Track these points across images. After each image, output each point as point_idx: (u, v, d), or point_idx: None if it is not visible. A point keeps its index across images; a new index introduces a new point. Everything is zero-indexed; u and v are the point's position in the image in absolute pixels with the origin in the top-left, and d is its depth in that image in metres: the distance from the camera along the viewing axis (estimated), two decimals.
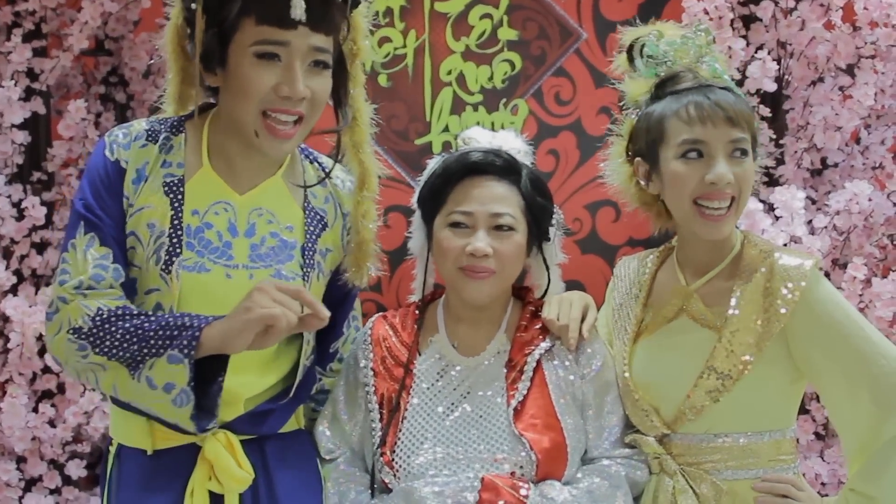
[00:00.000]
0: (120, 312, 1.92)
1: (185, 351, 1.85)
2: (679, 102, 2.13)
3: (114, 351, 1.90)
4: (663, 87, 2.18)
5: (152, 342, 1.88)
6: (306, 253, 2.08)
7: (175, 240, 1.99)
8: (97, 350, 1.91)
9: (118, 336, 1.90)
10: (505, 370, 2.17)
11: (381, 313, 2.32)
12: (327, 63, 1.99)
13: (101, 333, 1.90)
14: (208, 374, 1.90)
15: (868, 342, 2.07)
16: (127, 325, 1.90)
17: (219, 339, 1.86)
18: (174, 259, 1.98)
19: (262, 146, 1.99)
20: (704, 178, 2.09)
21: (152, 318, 1.91)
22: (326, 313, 1.88)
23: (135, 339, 1.89)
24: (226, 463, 1.99)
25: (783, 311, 2.09)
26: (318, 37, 1.95)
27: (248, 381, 2.04)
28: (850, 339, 2.07)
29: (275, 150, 2.01)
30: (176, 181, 2.02)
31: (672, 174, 2.13)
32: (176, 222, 2.00)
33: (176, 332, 1.87)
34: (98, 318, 1.91)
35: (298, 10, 1.89)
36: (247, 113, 1.96)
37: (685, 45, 2.19)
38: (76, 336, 1.92)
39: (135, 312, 1.93)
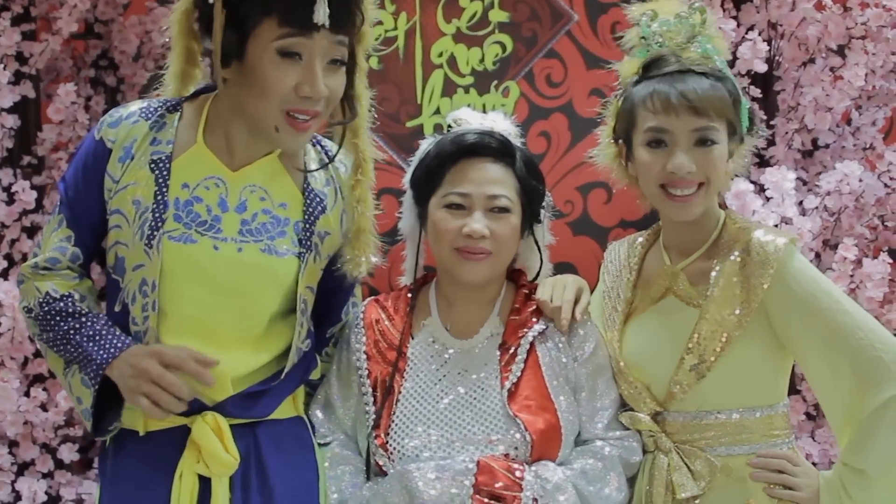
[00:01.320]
0: (61, 306, 2.03)
1: (92, 382, 1.98)
2: (648, 89, 2.15)
3: (51, 345, 2.05)
4: (647, 71, 2.20)
5: (74, 355, 2.02)
6: (303, 233, 2.08)
7: (157, 214, 2.00)
8: (42, 337, 2.06)
9: (56, 335, 2.03)
10: (498, 352, 2.18)
11: (373, 297, 2.32)
12: (343, 60, 2.00)
13: (45, 325, 2.04)
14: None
15: (845, 315, 2.10)
16: (65, 326, 2.02)
17: (116, 383, 1.98)
18: (155, 233, 1.99)
19: (279, 140, 2.01)
20: (665, 167, 2.13)
21: (81, 329, 2.01)
22: (211, 380, 1.96)
23: (62, 344, 2.03)
24: (212, 446, 1.99)
25: (759, 287, 2.12)
26: (338, 37, 1.96)
27: (235, 360, 2.03)
28: (827, 312, 2.10)
29: (292, 144, 2.03)
30: (163, 158, 2.03)
31: (639, 160, 2.18)
32: (160, 197, 2.00)
33: (89, 360, 1.99)
34: (45, 305, 2.03)
35: (321, 14, 1.90)
36: (267, 111, 1.96)
37: (679, 24, 2.19)
38: (28, 314, 2.07)
39: (72, 311, 2.03)
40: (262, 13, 1.91)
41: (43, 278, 2.05)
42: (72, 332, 2.01)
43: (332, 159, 2.15)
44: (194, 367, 1.93)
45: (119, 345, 1.98)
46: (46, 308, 2.03)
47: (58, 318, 2.03)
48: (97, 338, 2.00)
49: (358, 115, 2.13)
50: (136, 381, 1.93)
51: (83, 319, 2.03)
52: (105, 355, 1.98)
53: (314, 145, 2.18)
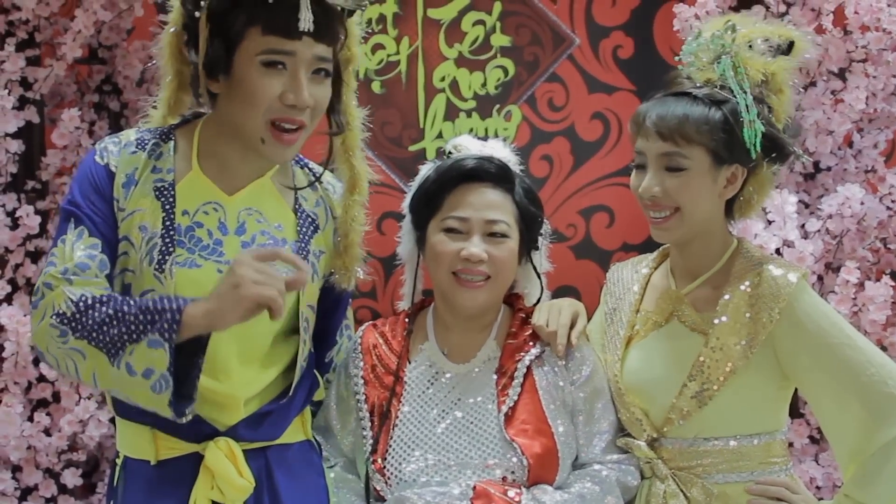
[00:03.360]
0: (104, 299, 1.91)
1: (166, 335, 1.84)
2: (639, 109, 2.18)
3: (94, 334, 1.89)
4: (665, 89, 2.21)
5: (132, 326, 1.87)
6: (300, 253, 2.09)
7: (168, 240, 2.00)
8: (77, 334, 1.89)
9: (98, 319, 1.88)
10: (495, 377, 2.18)
11: (370, 322, 2.32)
12: (328, 71, 2.02)
13: (83, 318, 1.89)
14: (187, 357, 1.89)
15: (856, 350, 2.09)
16: (108, 309, 1.89)
17: (204, 318, 1.85)
18: (167, 258, 1.99)
19: (266, 152, 2.01)
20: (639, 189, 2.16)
21: (132, 302, 1.90)
22: (306, 266, 1.90)
23: (115, 322, 1.87)
24: (226, 471, 1.99)
25: (768, 320, 2.11)
26: (320, 47, 1.98)
27: (244, 381, 2.04)
28: (838, 347, 2.08)
29: (279, 156, 2.04)
30: (167, 185, 2.03)
31: (631, 179, 2.20)
32: (168, 223, 2.01)
33: (156, 316, 1.85)
34: (82, 304, 1.90)
35: (305, 21, 1.92)
36: (253, 120, 1.98)
37: (712, 43, 2.17)
38: (59, 321, 1.91)
39: (118, 298, 1.92)
40: (247, 24, 1.94)
41: (73, 284, 1.93)
42: (125, 307, 1.88)
43: (318, 177, 2.17)
44: (288, 255, 1.89)
45: (187, 298, 1.89)
46: (88, 303, 1.90)
47: (100, 307, 1.89)
48: (163, 298, 1.90)
49: (346, 130, 2.14)
50: (237, 289, 1.82)
51: (134, 299, 1.92)
52: (179, 302, 1.87)
53: (301, 168, 2.20)
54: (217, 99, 2.04)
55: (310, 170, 2.21)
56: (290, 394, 2.09)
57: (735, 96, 2.12)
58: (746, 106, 2.11)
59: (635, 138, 2.18)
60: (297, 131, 2.00)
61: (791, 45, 2.21)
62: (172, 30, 2.06)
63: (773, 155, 2.17)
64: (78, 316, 1.89)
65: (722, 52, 2.16)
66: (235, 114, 2.00)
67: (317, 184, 2.18)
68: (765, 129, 2.11)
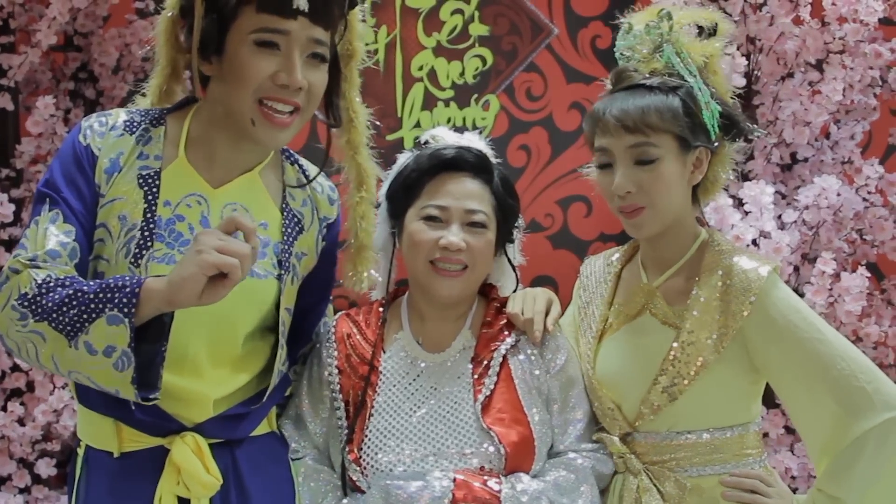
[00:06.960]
0: (66, 281, 1.84)
1: (126, 310, 1.78)
2: (593, 108, 2.16)
3: (53, 315, 1.81)
4: (613, 86, 2.19)
5: (91, 304, 1.80)
6: (282, 254, 2.06)
7: (147, 233, 1.95)
8: (37, 317, 1.82)
9: (58, 300, 1.81)
10: (471, 366, 2.17)
11: (344, 311, 2.31)
12: (325, 57, 1.98)
13: (42, 300, 1.82)
14: (150, 343, 1.83)
15: (826, 344, 2.07)
16: (68, 290, 1.82)
17: (165, 290, 1.77)
18: (144, 252, 1.94)
19: (257, 135, 1.96)
20: (611, 187, 2.12)
21: (92, 283, 1.84)
22: (257, 242, 1.81)
23: (74, 303, 1.81)
24: (193, 468, 1.96)
25: (739, 314, 2.10)
26: (317, 29, 1.94)
27: (214, 382, 2.01)
28: (808, 342, 2.07)
29: (271, 140, 1.98)
30: (152, 174, 1.98)
31: (597, 181, 2.17)
32: (149, 215, 1.96)
33: (115, 292, 1.79)
34: (44, 285, 1.83)
35: (302, 0, 1.89)
36: (243, 101, 1.93)
37: (647, 35, 2.17)
38: (20, 303, 1.84)
39: (79, 279, 1.86)
40: (241, 2, 1.91)
41: (40, 269, 1.86)
42: (85, 287, 1.82)
43: (311, 179, 2.13)
44: (245, 222, 1.79)
45: (144, 276, 1.84)
46: (49, 284, 1.83)
47: (59, 289, 1.83)
48: (123, 276, 1.84)
49: (350, 127, 2.12)
50: (199, 255, 1.75)
51: (95, 280, 1.87)
52: (139, 277, 1.82)
53: (292, 164, 2.15)
54: (209, 83, 2.00)
55: (300, 166, 2.17)
56: (265, 399, 2.07)
57: (686, 81, 2.12)
58: (700, 89, 2.11)
59: (593, 138, 2.15)
60: (290, 115, 1.95)
61: (716, 27, 2.22)
62: (169, 14, 2.01)
63: (732, 132, 2.18)
64: (38, 298, 1.83)
65: (661, 41, 2.16)
66: (226, 95, 1.96)
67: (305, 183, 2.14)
68: (721, 109, 2.12)
